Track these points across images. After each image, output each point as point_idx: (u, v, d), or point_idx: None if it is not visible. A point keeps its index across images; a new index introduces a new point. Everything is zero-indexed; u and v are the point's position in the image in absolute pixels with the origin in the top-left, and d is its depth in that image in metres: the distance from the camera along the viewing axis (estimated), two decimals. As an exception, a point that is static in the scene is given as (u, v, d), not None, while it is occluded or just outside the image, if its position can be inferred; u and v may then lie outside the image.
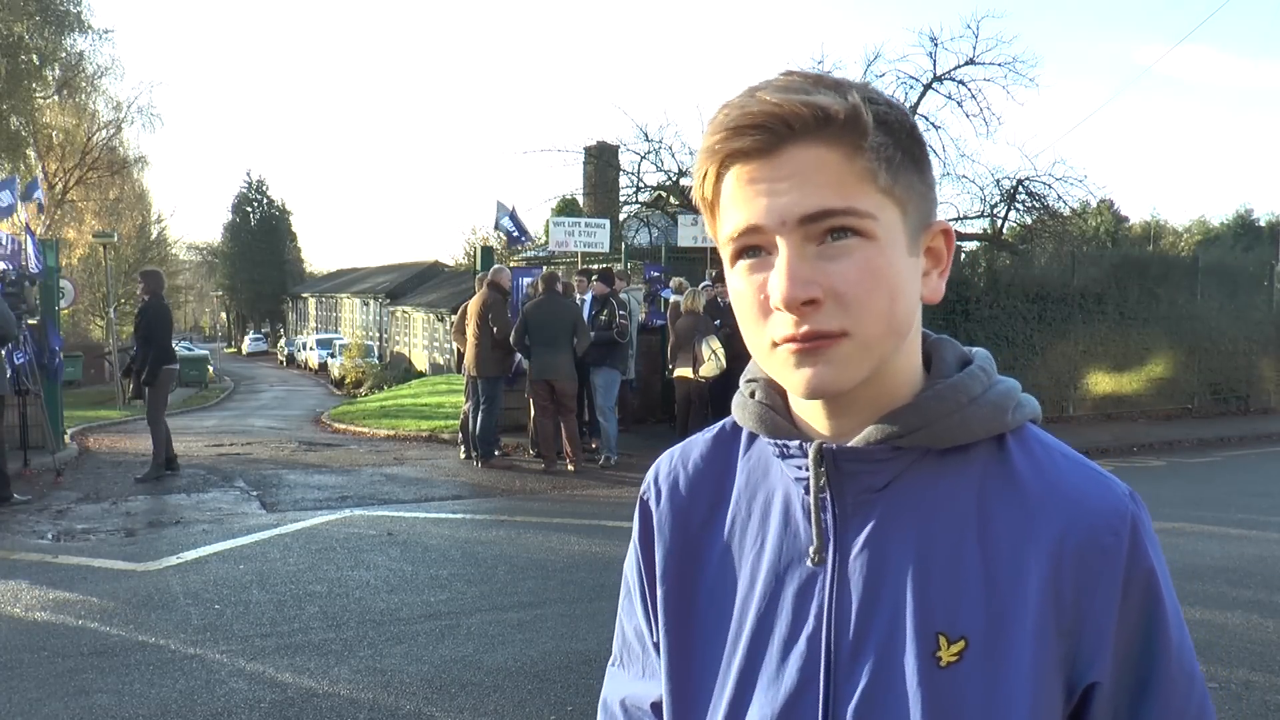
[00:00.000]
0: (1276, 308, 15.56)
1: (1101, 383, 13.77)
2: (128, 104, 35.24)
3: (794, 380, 0.77)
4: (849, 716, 0.78)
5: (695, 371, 9.79)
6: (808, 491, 0.82)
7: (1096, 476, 0.80)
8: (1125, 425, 13.12)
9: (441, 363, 35.28)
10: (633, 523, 0.98)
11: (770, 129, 0.73)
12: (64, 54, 32.58)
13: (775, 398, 0.87)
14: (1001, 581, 0.77)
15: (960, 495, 0.80)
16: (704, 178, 0.79)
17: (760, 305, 0.76)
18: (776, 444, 0.85)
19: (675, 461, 0.96)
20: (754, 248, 0.77)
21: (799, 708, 0.80)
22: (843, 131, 0.74)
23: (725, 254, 0.80)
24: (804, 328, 0.74)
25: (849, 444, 0.81)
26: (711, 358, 9.62)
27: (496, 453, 10.00)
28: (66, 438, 11.19)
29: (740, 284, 0.78)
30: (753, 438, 0.92)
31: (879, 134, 0.74)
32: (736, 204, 0.76)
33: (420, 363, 39.00)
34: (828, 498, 0.81)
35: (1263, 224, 43.24)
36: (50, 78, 32.48)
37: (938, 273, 0.82)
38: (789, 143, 0.74)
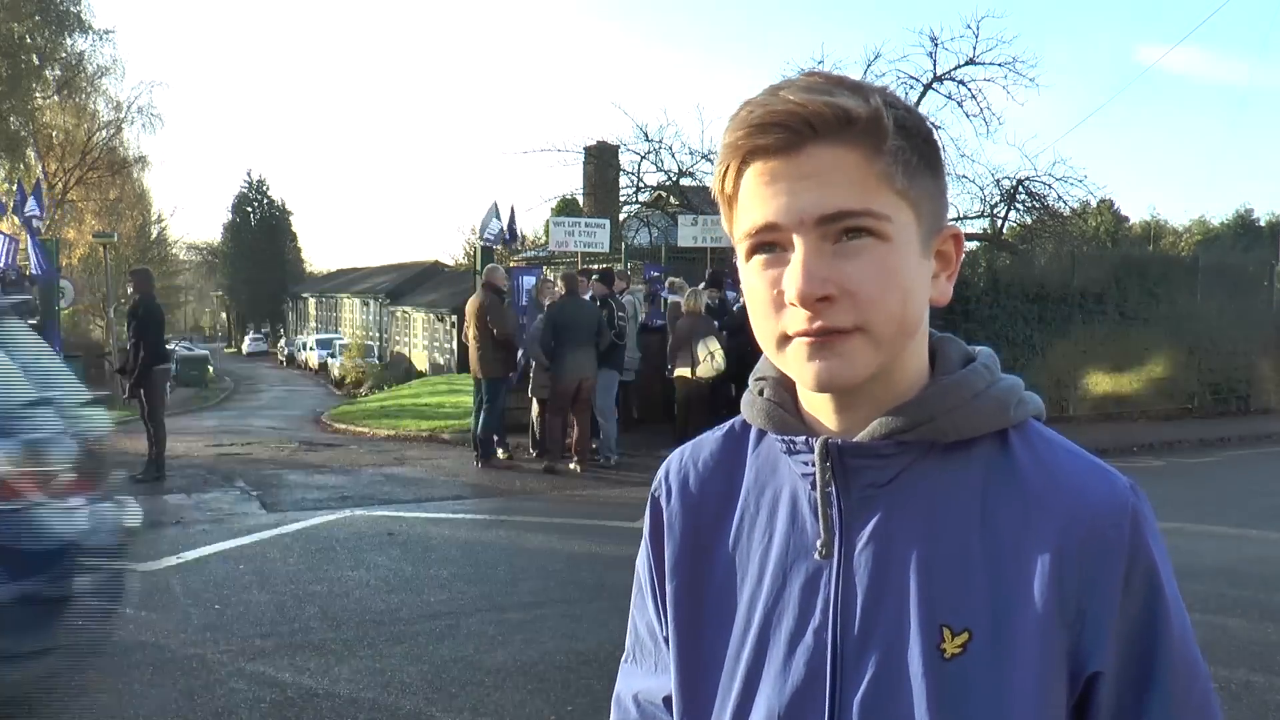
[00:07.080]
0: (1276, 308, 15.55)
1: (1101, 383, 13.76)
2: (128, 104, 35.22)
3: (805, 373, 0.78)
4: (856, 709, 0.79)
5: (693, 373, 9.78)
6: (814, 487, 0.83)
7: (1098, 470, 0.81)
8: (1125, 425, 13.10)
9: (441, 363, 35.27)
10: (644, 520, 0.99)
11: (793, 128, 0.75)
12: (64, 54, 32.56)
13: (784, 395, 0.87)
14: (1005, 574, 0.78)
15: (964, 489, 0.80)
16: (725, 172, 0.80)
17: (774, 300, 0.77)
18: (783, 440, 0.85)
19: (686, 459, 0.97)
20: (770, 244, 0.78)
21: (806, 701, 0.81)
22: (863, 133, 0.75)
23: (741, 248, 0.80)
24: (817, 323, 0.75)
25: (854, 439, 0.81)
26: (708, 359, 9.59)
27: (503, 454, 10.01)
28: (66, 438, 11.17)
29: (754, 279, 0.79)
30: (761, 435, 0.92)
31: (898, 137, 0.76)
32: (755, 201, 0.77)
33: (420, 363, 38.99)
34: (833, 492, 0.82)
35: (1263, 224, 43.30)
36: (50, 78, 32.46)
37: (946, 276, 0.83)
38: (810, 142, 0.75)
